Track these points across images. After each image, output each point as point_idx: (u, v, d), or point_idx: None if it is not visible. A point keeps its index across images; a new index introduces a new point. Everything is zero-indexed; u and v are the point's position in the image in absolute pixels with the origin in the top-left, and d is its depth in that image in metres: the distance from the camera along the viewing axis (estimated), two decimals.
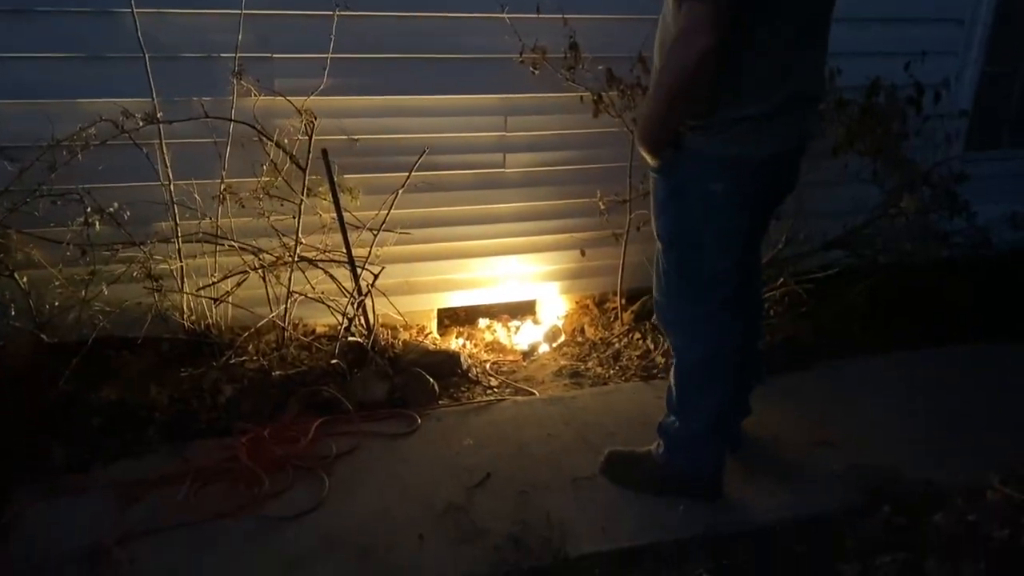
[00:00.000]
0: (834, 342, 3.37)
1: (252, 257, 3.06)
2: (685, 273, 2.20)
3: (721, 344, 2.27)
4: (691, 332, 2.29)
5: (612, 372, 3.26)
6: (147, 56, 2.76)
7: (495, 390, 3.15)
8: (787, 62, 1.94)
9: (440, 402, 3.00)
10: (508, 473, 2.52)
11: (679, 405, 2.36)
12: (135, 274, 2.91)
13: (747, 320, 2.45)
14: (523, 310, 3.90)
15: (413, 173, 3.16)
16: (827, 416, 2.86)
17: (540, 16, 3.04)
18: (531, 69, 3.14)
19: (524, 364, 3.44)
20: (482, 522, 2.28)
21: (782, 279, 3.45)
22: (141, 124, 2.76)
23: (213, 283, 3.03)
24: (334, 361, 3.06)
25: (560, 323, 3.76)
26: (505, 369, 3.38)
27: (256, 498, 2.37)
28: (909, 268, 3.59)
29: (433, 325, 3.68)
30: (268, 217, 3.04)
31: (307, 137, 2.98)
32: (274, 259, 3.07)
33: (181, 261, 3.00)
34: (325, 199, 3.07)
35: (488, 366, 3.36)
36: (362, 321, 3.19)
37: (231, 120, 2.90)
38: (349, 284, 3.15)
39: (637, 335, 3.47)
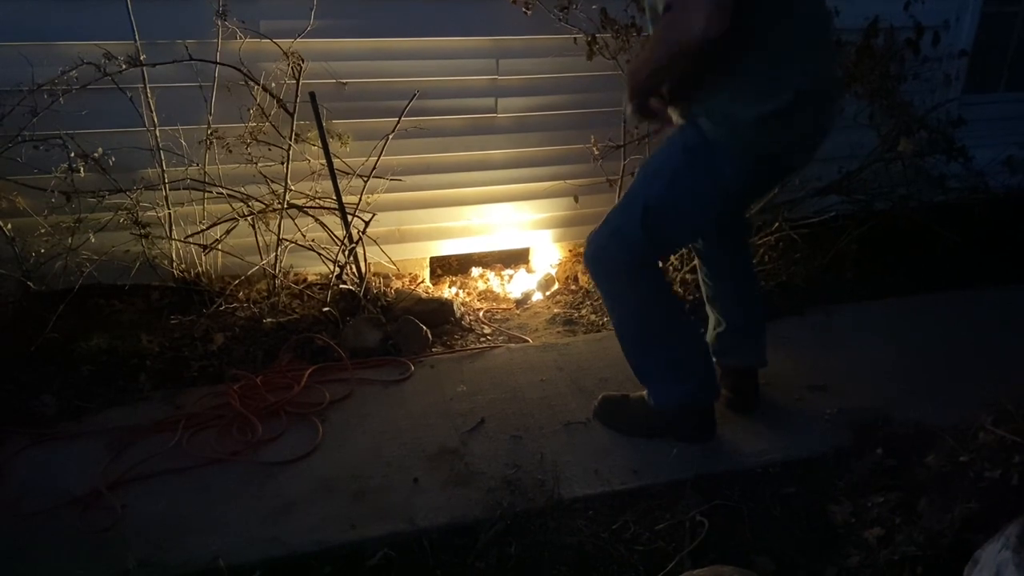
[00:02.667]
0: (827, 287, 3.37)
1: (241, 204, 3.02)
2: (650, 236, 2.13)
3: (659, 294, 2.25)
4: (626, 281, 2.23)
5: (605, 319, 3.25)
6: None
7: (488, 338, 3.14)
8: (796, 53, 1.92)
9: (433, 349, 3.00)
10: (502, 418, 2.53)
11: (627, 358, 2.36)
12: (122, 221, 2.88)
13: (737, 285, 2.50)
14: (516, 259, 3.88)
15: (403, 118, 3.11)
16: (819, 361, 2.86)
17: None
18: (523, 9, 3.07)
19: (517, 312, 3.43)
20: (476, 465, 2.29)
21: (777, 224, 3.43)
22: (124, 67, 2.70)
23: (202, 231, 2.99)
24: (326, 309, 3.04)
25: (553, 271, 3.74)
26: (498, 317, 3.37)
27: (250, 444, 2.37)
28: (904, 213, 3.57)
29: (426, 274, 3.65)
30: (256, 163, 2.99)
31: (294, 81, 2.92)
32: (263, 206, 3.03)
33: (169, 208, 2.96)
34: (314, 145, 3.02)
35: (481, 314, 3.35)
36: (354, 269, 3.16)
37: (216, 63, 2.84)
38: (340, 232, 3.11)
39: None
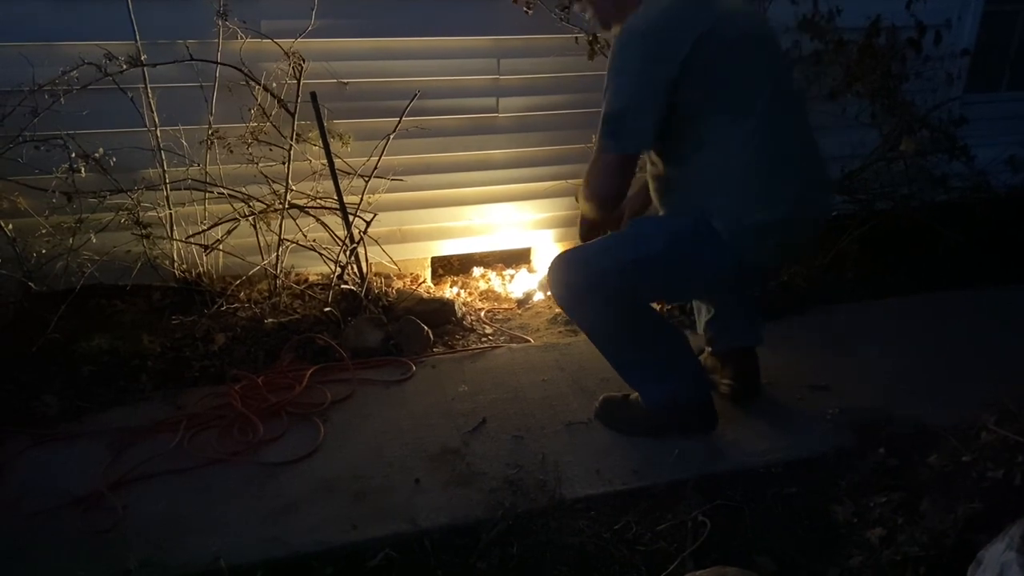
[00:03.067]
0: (829, 287, 3.37)
1: (242, 204, 3.02)
2: (626, 285, 2.16)
3: (627, 315, 2.26)
4: (594, 310, 2.26)
5: None
6: None
7: (490, 338, 3.14)
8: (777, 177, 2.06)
9: (435, 349, 2.99)
10: (503, 418, 2.52)
11: (612, 367, 2.39)
12: (123, 221, 2.88)
13: None
14: (518, 258, 3.88)
15: (404, 118, 3.11)
16: (821, 360, 2.86)
17: None
18: (524, 9, 3.07)
19: (519, 312, 3.43)
20: (478, 466, 2.28)
21: None
22: (125, 67, 2.70)
23: (203, 231, 2.98)
24: (327, 309, 3.04)
25: None
26: (500, 317, 3.36)
27: (251, 444, 2.37)
28: (906, 212, 3.57)
29: (427, 274, 3.65)
30: (257, 163, 2.99)
31: (295, 81, 2.91)
32: (264, 206, 3.03)
33: (170, 208, 2.96)
34: (315, 145, 3.02)
35: (483, 314, 3.35)
36: (355, 269, 3.16)
37: (217, 63, 2.84)
38: (341, 232, 3.11)
39: None
